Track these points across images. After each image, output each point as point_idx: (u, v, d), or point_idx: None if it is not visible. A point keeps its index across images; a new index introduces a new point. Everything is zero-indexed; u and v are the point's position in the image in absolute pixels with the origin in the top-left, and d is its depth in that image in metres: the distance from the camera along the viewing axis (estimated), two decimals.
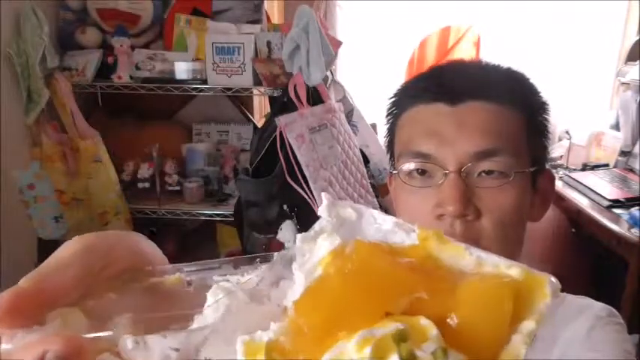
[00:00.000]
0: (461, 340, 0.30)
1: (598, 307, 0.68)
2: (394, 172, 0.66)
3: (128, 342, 0.30)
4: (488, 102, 0.61)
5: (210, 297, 0.34)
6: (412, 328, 0.29)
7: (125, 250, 0.35)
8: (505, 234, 0.60)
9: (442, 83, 0.64)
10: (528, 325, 0.31)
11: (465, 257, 0.33)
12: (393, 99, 0.70)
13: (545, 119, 0.68)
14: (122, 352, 0.30)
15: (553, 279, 0.34)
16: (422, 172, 0.62)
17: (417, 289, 0.31)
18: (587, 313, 0.66)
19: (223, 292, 0.34)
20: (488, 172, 0.60)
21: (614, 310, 0.69)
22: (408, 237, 0.36)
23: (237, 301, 0.33)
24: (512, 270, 0.33)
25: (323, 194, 0.38)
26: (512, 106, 0.62)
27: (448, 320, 0.30)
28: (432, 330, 0.29)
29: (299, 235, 0.36)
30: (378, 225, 0.38)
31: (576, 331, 0.64)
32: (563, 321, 0.66)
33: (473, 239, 0.59)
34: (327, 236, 0.35)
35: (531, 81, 0.69)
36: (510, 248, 0.62)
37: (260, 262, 0.34)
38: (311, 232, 0.36)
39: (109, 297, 0.33)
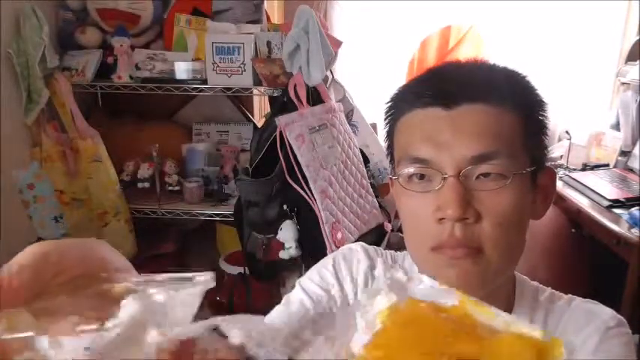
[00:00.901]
0: None
1: (607, 315, 0.67)
2: (394, 177, 0.67)
3: (44, 342, 0.32)
4: (484, 104, 0.61)
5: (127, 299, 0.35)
6: None
7: (78, 258, 0.36)
8: (506, 236, 0.60)
9: (437, 87, 0.64)
10: None
11: (495, 319, 0.40)
12: (390, 103, 0.70)
13: (544, 117, 0.67)
14: (38, 352, 0.32)
15: (565, 342, 0.39)
16: (421, 177, 0.63)
17: (458, 344, 0.38)
18: (596, 322, 0.66)
19: (134, 295, 0.36)
20: (487, 175, 0.60)
21: (622, 319, 0.68)
22: (448, 296, 0.43)
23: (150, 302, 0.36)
24: (535, 332, 0.39)
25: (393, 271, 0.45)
26: (509, 106, 0.62)
27: None
28: None
29: (361, 292, 0.48)
30: (424, 286, 0.45)
31: (585, 342, 0.64)
32: (570, 328, 0.66)
33: (474, 242, 0.59)
34: (385, 294, 0.43)
35: (528, 79, 0.69)
36: (512, 250, 0.63)
37: (189, 280, 0.38)
38: (371, 289, 0.45)
39: (59, 300, 0.35)
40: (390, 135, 0.71)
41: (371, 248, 0.79)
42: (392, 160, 0.71)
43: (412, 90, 0.67)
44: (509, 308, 0.69)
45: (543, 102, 0.68)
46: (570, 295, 0.72)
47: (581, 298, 0.71)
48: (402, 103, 0.68)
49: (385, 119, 0.71)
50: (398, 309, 0.42)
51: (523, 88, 0.67)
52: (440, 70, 0.68)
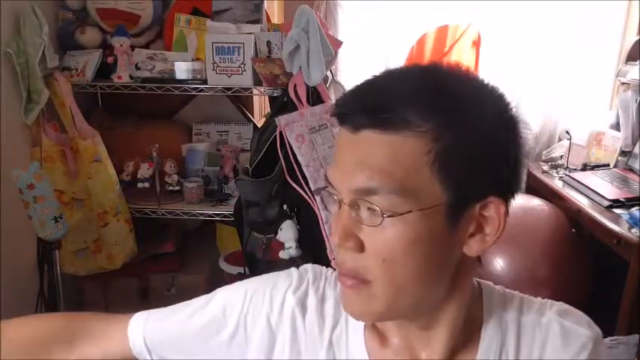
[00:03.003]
0: None
1: (583, 333, 0.64)
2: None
3: None
4: (381, 131, 0.55)
5: None
6: None
7: None
8: (391, 272, 0.57)
9: (349, 106, 0.58)
10: None
11: None
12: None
13: (484, 144, 0.56)
14: None
15: None
16: (333, 198, 0.61)
17: None
18: (573, 347, 0.63)
19: None
20: (369, 210, 0.56)
21: (597, 331, 0.65)
22: None
23: None
24: None
25: None
26: (415, 134, 0.54)
27: None
28: None
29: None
30: None
31: None
32: (546, 353, 0.63)
33: (359, 273, 0.58)
34: None
35: (470, 100, 0.57)
36: (403, 287, 0.58)
37: None
38: None
39: None
40: None
41: (310, 274, 0.74)
42: None
43: (337, 105, 0.61)
44: (476, 326, 0.65)
45: (485, 126, 0.57)
46: (541, 301, 0.68)
47: (556, 305, 0.67)
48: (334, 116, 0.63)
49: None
50: None
51: (447, 112, 0.56)
52: (363, 87, 0.61)
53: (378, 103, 0.56)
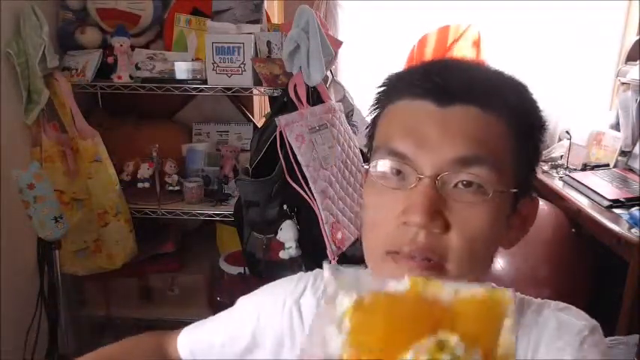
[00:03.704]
0: (469, 342, 0.42)
1: (580, 324, 0.62)
2: (367, 167, 0.62)
3: None
4: (478, 108, 0.56)
5: None
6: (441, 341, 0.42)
7: None
8: (473, 252, 0.55)
9: (433, 80, 0.58)
10: (508, 321, 0.45)
11: (444, 290, 0.46)
12: (381, 88, 0.65)
13: (539, 141, 0.62)
14: None
15: (510, 291, 0.45)
16: (396, 173, 0.57)
17: (432, 315, 0.44)
18: (570, 334, 0.61)
19: None
20: (467, 185, 0.55)
21: (595, 324, 0.63)
22: (400, 283, 0.48)
23: None
24: (481, 289, 0.46)
25: (324, 264, 0.47)
26: (505, 118, 0.58)
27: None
28: (453, 338, 0.43)
29: (322, 303, 0.48)
30: (373, 281, 0.48)
31: (559, 356, 0.60)
32: (542, 343, 0.62)
33: (435, 254, 0.55)
34: (345, 294, 0.46)
35: (533, 97, 0.63)
36: (477, 267, 0.58)
37: None
38: (327, 295, 0.48)
39: None
40: (373, 123, 0.65)
41: (312, 276, 0.75)
42: (370, 150, 0.65)
43: (406, 78, 0.62)
44: None
45: (544, 125, 0.62)
46: (541, 301, 0.67)
47: (554, 303, 0.66)
48: (393, 90, 0.63)
49: (372, 105, 0.66)
50: (362, 303, 0.46)
51: (527, 105, 0.61)
52: (439, 63, 0.63)
53: (478, 82, 0.59)
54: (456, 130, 0.56)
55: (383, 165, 0.58)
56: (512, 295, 0.45)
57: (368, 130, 0.67)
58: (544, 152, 2.58)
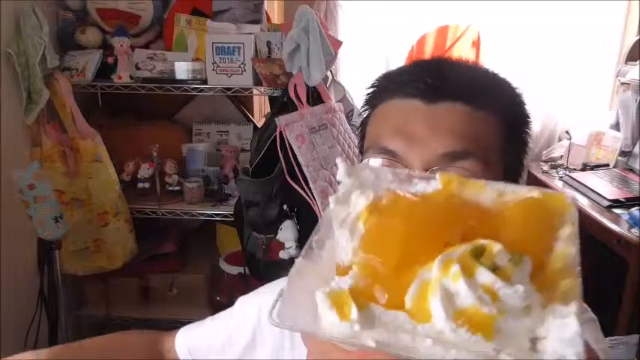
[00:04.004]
0: (515, 252, 0.35)
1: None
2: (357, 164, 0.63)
3: None
4: (465, 104, 0.58)
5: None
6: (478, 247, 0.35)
7: None
8: None
9: (421, 79, 0.60)
10: (565, 230, 0.38)
11: (485, 191, 0.40)
12: (371, 89, 0.67)
13: (526, 134, 0.65)
14: None
15: (568, 194, 0.39)
16: None
17: (467, 219, 0.37)
18: None
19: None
20: None
21: (592, 316, 0.65)
22: (428, 185, 0.42)
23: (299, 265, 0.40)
24: (533, 192, 0.40)
25: (338, 160, 0.43)
26: (492, 113, 0.60)
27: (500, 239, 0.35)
28: (495, 246, 0.35)
29: (331, 198, 0.41)
30: (395, 180, 0.43)
31: None
32: None
33: None
34: (361, 193, 0.40)
35: (518, 91, 0.65)
36: None
37: None
38: (339, 194, 0.42)
39: None
40: (364, 123, 0.67)
41: None
42: (361, 151, 0.67)
43: (395, 78, 0.64)
44: None
45: (528, 118, 0.66)
46: None
47: None
48: (382, 91, 0.65)
49: (363, 106, 0.68)
50: (378, 205, 0.39)
51: (512, 99, 0.64)
52: (428, 63, 0.66)
53: (463, 79, 0.61)
54: (443, 125, 0.57)
55: (374, 163, 0.60)
56: (572, 200, 0.39)
57: (359, 131, 0.69)
58: (544, 152, 2.59)
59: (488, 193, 0.40)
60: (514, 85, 0.66)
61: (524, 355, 0.33)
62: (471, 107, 0.59)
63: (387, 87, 0.64)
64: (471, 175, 0.56)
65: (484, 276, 0.33)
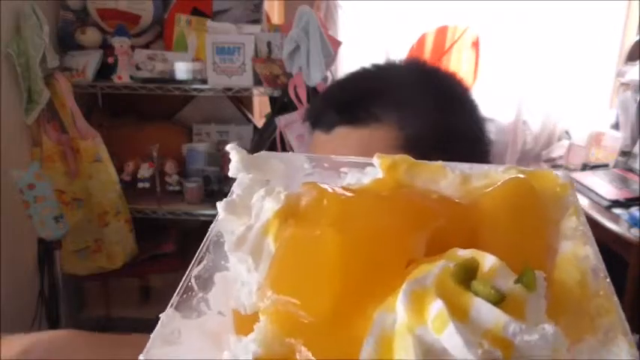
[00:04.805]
0: (506, 257, 0.22)
1: None
2: None
3: None
4: (352, 127, 0.57)
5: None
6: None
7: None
8: None
9: (320, 109, 0.61)
10: (570, 222, 0.26)
11: (446, 176, 0.28)
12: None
13: (446, 133, 0.58)
14: None
15: (560, 173, 0.28)
16: None
17: (431, 218, 0.23)
18: None
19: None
20: None
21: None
22: (363, 174, 0.29)
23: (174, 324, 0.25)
24: (510, 172, 0.27)
25: (228, 147, 0.31)
26: (383, 126, 0.57)
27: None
28: (487, 258, 0.21)
29: (220, 205, 0.28)
30: (315, 172, 0.30)
31: None
32: None
33: None
34: (266, 194, 0.26)
35: (431, 94, 0.60)
36: None
37: None
38: (232, 197, 0.28)
39: None
40: None
41: None
42: None
43: (310, 111, 0.65)
44: None
45: (447, 116, 0.59)
46: None
47: None
48: (310, 126, 0.65)
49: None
50: (294, 208, 0.25)
51: (409, 105, 0.59)
52: (328, 89, 0.67)
53: (347, 100, 0.59)
54: (336, 153, 0.56)
55: None
56: (567, 177, 0.28)
57: None
58: (544, 152, 2.59)
59: (450, 177, 0.28)
60: (429, 88, 0.60)
61: None
62: (358, 127, 0.57)
63: (308, 120, 0.64)
64: None
65: (488, 314, 0.20)
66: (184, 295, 0.26)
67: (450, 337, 0.19)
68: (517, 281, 0.21)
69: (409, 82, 0.60)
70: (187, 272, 0.27)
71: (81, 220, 2.02)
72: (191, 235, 2.46)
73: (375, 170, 0.29)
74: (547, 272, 0.23)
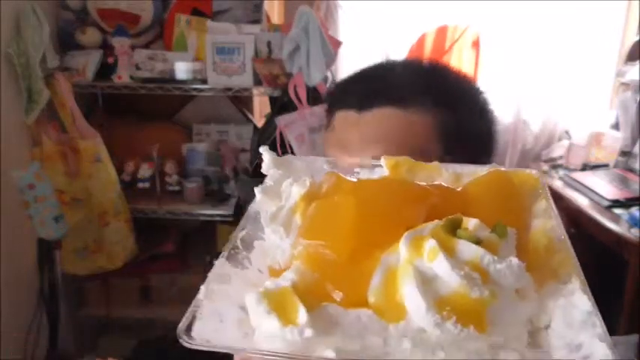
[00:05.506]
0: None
1: None
2: None
3: None
4: (394, 107, 0.60)
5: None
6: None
7: None
8: None
9: (354, 90, 0.63)
10: (541, 205, 0.34)
11: (441, 174, 0.35)
12: (325, 106, 0.70)
13: (476, 126, 0.64)
14: None
15: (535, 171, 0.35)
16: None
17: (428, 197, 0.31)
18: None
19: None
20: None
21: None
22: (372, 172, 0.37)
23: (222, 271, 0.33)
24: (498, 169, 0.35)
25: (261, 149, 0.40)
26: (423, 111, 0.60)
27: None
28: (471, 219, 0.29)
29: (257, 189, 0.36)
30: (331, 167, 0.38)
31: None
32: None
33: None
34: (294, 181, 0.34)
35: (465, 87, 0.65)
36: None
37: None
38: (267, 184, 0.36)
39: None
40: (325, 138, 0.69)
41: None
42: None
43: (335, 93, 0.67)
44: None
45: (477, 110, 0.65)
46: None
47: None
48: (331, 105, 0.67)
49: (325, 125, 0.70)
50: (318, 192, 0.32)
51: (448, 94, 0.63)
52: (362, 72, 0.67)
53: (396, 83, 0.62)
54: (372, 132, 0.59)
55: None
56: (540, 174, 0.36)
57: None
58: (544, 152, 2.59)
59: (444, 175, 0.35)
60: (460, 80, 0.66)
61: (526, 354, 0.26)
62: (399, 109, 0.60)
63: (332, 102, 0.66)
64: None
65: (468, 250, 0.26)
66: (232, 251, 0.33)
67: (439, 264, 0.26)
68: (492, 231, 0.29)
69: (445, 77, 0.65)
70: (234, 234, 0.35)
71: (81, 220, 2.02)
72: (191, 235, 2.46)
73: (382, 170, 0.36)
74: (521, 240, 0.30)
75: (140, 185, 2.16)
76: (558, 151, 2.56)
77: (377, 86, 0.61)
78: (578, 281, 0.30)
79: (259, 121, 2.40)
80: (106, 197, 2.03)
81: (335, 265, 0.28)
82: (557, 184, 2.29)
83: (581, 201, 2.08)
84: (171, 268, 2.29)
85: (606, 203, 1.99)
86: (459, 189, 0.33)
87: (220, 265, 0.33)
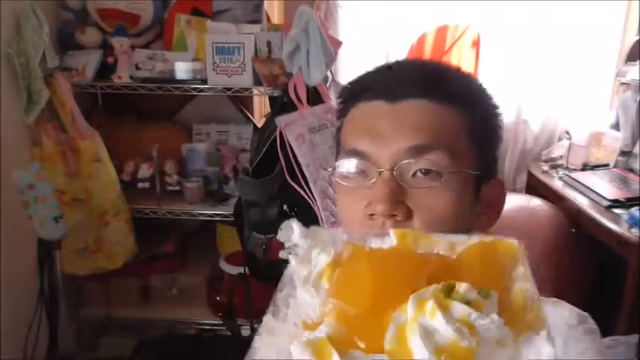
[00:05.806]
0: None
1: (566, 314, 0.62)
2: (330, 170, 0.66)
3: None
4: (427, 100, 0.61)
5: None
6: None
7: None
8: None
9: (383, 81, 0.64)
10: (519, 270, 0.41)
11: (438, 244, 0.43)
12: (340, 99, 0.70)
13: (495, 126, 0.67)
14: None
15: (516, 240, 0.43)
16: (358, 172, 0.61)
17: (429, 266, 0.39)
18: (556, 326, 0.62)
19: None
20: (425, 173, 0.59)
21: (584, 315, 0.63)
22: (382, 242, 0.45)
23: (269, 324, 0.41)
24: (485, 239, 0.43)
25: (293, 223, 0.46)
26: (455, 106, 0.62)
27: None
28: (462, 284, 0.37)
29: (292, 258, 0.43)
30: (350, 239, 0.45)
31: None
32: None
33: None
34: (321, 251, 0.42)
35: (483, 86, 0.68)
36: None
37: None
38: (300, 254, 0.44)
39: None
40: (338, 129, 0.69)
41: None
42: (337, 155, 0.69)
43: (361, 83, 0.67)
44: None
45: (496, 111, 0.68)
46: None
47: (545, 300, 0.67)
48: (352, 96, 0.67)
49: (337, 113, 0.71)
50: (340, 260, 0.41)
51: (476, 93, 0.67)
52: (391, 65, 0.68)
53: (423, 77, 0.63)
54: (407, 122, 0.60)
55: (344, 165, 0.63)
56: (520, 244, 0.43)
57: (335, 138, 0.72)
58: (544, 152, 2.59)
59: (442, 244, 0.43)
60: (477, 79, 0.69)
61: None
62: (434, 102, 0.61)
63: (355, 92, 0.67)
64: (437, 166, 0.58)
65: (459, 309, 0.35)
66: (273, 308, 0.41)
67: (438, 320, 0.35)
68: (478, 293, 0.37)
69: (468, 77, 0.68)
70: (273, 297, 0.42)
71: (81, 220, 2.02)
72: (191, 235, 2.46)
73: (391, 239, 0.44)
74: (503, 301, 0.38)
75: (140, 185, 2.16)
76: (558, 151, 2.56)
77: (412, 79, 0.63)
78: (545, 333, 0.37)
79: (259, 121, 2.40)
80: (106, 197, 2.03)
81: (357, 320, 0.37)
82: (557, 184, 2.29)
83: (581, 201, 2.08)
84: (171, 268, 2.29)
85: (606, 203, 1.99)
86: (454, 257, 0.42)
87: (267, 320, 0.41)
